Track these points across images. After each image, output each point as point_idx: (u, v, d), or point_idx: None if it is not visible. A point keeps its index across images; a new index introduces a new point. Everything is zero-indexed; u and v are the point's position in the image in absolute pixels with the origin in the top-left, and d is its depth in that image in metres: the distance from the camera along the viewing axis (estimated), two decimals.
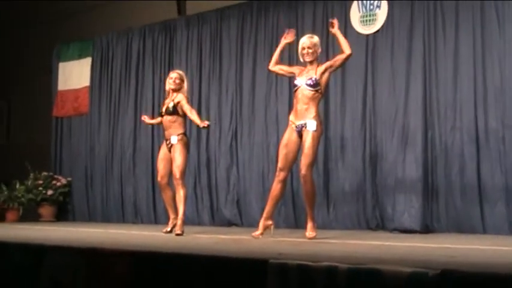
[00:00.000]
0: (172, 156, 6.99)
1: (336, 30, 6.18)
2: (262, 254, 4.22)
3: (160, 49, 9.96)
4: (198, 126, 7.00)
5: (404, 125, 7.32)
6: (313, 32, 7.12)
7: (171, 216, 7.09)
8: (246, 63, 8.83)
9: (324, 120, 7.08)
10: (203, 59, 9.40)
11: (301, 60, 6.28)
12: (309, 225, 6.05)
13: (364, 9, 7.78)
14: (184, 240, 6.17)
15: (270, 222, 6.24)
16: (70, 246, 4.83)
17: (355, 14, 7.86)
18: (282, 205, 7.82)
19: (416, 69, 7.34)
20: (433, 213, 7.08)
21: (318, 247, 5.14)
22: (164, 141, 7.17)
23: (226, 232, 7.26)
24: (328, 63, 6.23)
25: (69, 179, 10.69)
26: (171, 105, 7.04)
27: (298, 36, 7.43)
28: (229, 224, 8.60)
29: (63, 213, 10.66)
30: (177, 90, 7.12)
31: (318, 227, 6.25)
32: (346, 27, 7.87)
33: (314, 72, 6.13)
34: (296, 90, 6.16)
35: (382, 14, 7.68)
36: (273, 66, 6.53)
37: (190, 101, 7.52)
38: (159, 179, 7.19)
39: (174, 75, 7.21)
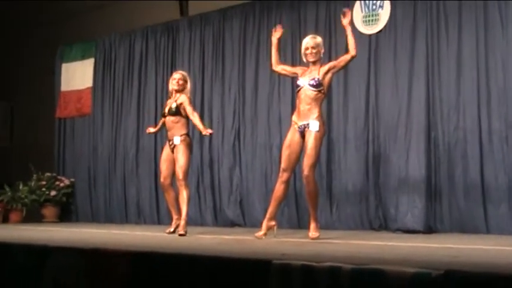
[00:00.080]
0: (175, 156, 6.99)
1: (347, 24, 6.17)
2: (266, 254, 4.22)
3: (162, 50, 9.96)
4: (200, 132, 6.98)
5: (407, 125, 7.31)
6: (316, 32, 7.15)
7: (174, 216, 7.10)
8: (249, 64, 8.83)
9: (326, 120, 7.08)
10: (206, 60, 9.40)
11: (304, 60, 6.28)
12: (312, 225, 6.05)
13: (366, 9, 7.78)
14: (187, 240, 6.17)
15: (273, 222, 6.25)
16: (73, 247, 4.84)
17: (357, 14, 7.84)
18: (285, 205, 7.81)
19: (419, 69, 7.33)
20: (436, 213, 7.07)
21: (321, 247, 5.14)
22: (167, 142, 7.17)
23: (229, 232, 7.26)
24: (331, 64, 6.23)
25: (72, 179, 10.70)
26: (174, 105, 7.05)
27: (300, 37, 7.48)
28: (232, 224, 8.60)
29: (67, 214, 10.67)
30: (180, 91, 7.13)
31: (321, 227, 6.26)
32: None
33: (317, 73, 6.13)
34: (299, 90, 6.16)
35: (384, 14, 7.67)
36: (276, 66, 6.54)
37: (193, 102, 7.52)
38: (162, 179, 7.20)
39: (177, 76, 7.21)
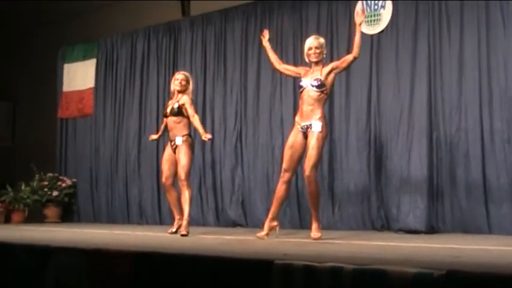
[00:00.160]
0: (177, 157, 6.99)
1: (359, 23, 6.22)
2: (268, 254, 4.22)
3: (164, 50, 9.97)
4: (200, 135, 6.97)
5: (409, 125, 7.30)
6: (318, 32, 7.16)
7: (176, 217, 7.10)
8: (251, 65, 8.83)
9: (328, 120, 7.08)
10: (207, 60, 9.41)
11: (307, 60, 6.28)
12: (314, 225, 6.05)
13: (368, 9, 7.77)
14: (189, 241, 6.17)
15: (275, 223, 6.25)
16: (75, 247, 4.84)
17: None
18: (287, 206, 7.82)
19: (421, 69, 7.33)
20: (438, 213, 7.07)
21: (323, 248, 5.14)
22: (169, 142, 7.17)
23: (231, 233, 7.27)
24: (333, 64, 6.24)
25: (74, 180, 10.71)
26: (176, 106, 7.05)
27: (302, 37, 7.49)
28: (234, 224, 8.60)
29: (68, 214, 10.68)
30: (182, 91, 7.13)
31: (323, 227, 6.25)
32: (350, 28, 7.83)
33: (319, 73, 6.14)
34: (302, 91, 6.17)
35: (386, 14, 7.67)
36: (278, 66, 6.57)
37: (195, 102, 7.53)
38: (163, 180, 7.20)
39: (180, 76, 7.21)
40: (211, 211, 8.96)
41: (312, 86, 6.08)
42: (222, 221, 8.81)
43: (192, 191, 7.13)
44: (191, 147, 7.08)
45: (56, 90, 11.27)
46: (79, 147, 10.91)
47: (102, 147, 10.54)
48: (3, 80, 12.27)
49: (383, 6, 7.70)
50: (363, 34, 7.55)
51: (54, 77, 11.30)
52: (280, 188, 6.20)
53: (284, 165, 6.19)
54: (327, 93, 6.19)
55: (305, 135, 6.10)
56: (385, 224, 7.39)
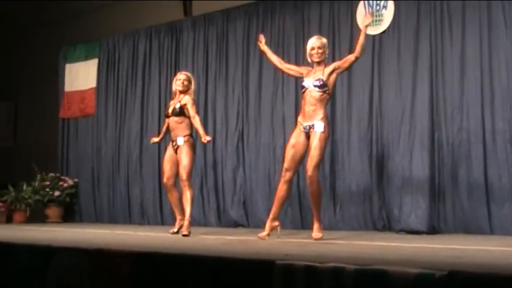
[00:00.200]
0: (178, 157, 6.99)
1: (365, 25, 6.25)
2: (269, 255, 4.22)
3: (166, 50, 9.97)
4: (200, 137, 6.96)
5: (411, 126, 7.30)
6: (320, 33, 7.15)
7: (178, 217, 7.11)
8: (252, 65, 8.83)
9: (330, 121, 7.07)
10: (209, 60, 9.41)
11: (309, 60, 6.28)
12: (316, 226, 6.05)
13: (370, 9, 7.76)
14: (191, 241, 6.17)
15: (276, 223, 6.25)
16: (77, 247, 4.84)
17: (361, 14, 7.83)
18: (289, 206, 7.82)
19: (422, 70, 7.32)
20: (440, 214, 7.06)
21: (325, 248, 5.14)
22: (170, 143, 7.17)
23: (232, 233, 7.27)
24: (335, 64, 6.24)
25: (76, 180, 10.72)
26: (178, 106, 7.05)
27: (304, 37, 7.49)
28: (236, 225, 8.60)
29: (70, 214, 10.69)
30: (184, 92, 7.13)
31: (324, 227, 6.25)
32: (352, 28, 7.87)
33: (321, 73, 6.14)
34: (304, 91, 6.17)
35: (388, 15, 7.66)
36: (282, 65, 6.60)
37: (196, 103, 7.53)
38: (165, 180, 7.20)
39: (182, 76, 7.20)
40: (213, 211, 8.97)
41: (314, 86, 6.08)
42: (224, 221, 8.81)
43: (193, 191, 7.13)
44: (193, 147, 7.08)
45: (57, 90, 11.28)
46: (81, 147, 10.92)
47: (103, 147, 10.55)
48: (4, 80, 12.28)
49: (385, 7, 7.70)
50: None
51: (56, 77, 11.31)
52: (282, 188, 6.20)
53: (285, 165, 6.19)
54: (329, 94, 6.19)
55: (307, 136, 6.10)
56: (387, 225, 7.39)
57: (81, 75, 11.01)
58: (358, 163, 7.70)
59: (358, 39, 6.22)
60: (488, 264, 3.83)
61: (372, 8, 7.77)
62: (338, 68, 6.21)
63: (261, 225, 6.65)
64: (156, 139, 7.69)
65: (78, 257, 4.53)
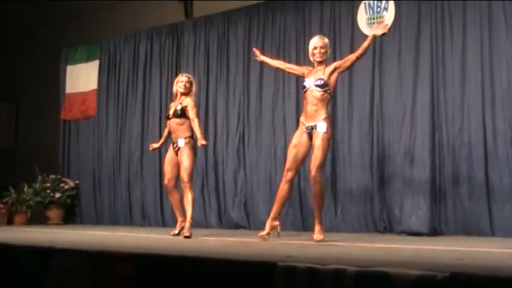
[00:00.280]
0: (179, 159, 6.99)
1: (375, 34, 6.24)
2: (270, 256, 4.22)
3: (167, 52, 9.97)
4: (197, 139, 6.96)
5: (411, 127, 7.30)
6: (321, 33, 7.13)
7: (179, 219, 7.11)
8: (253, 66, 8.82)
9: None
10: (210, 62, 9.41)
11: (311, 59, 6.29)
12: (317, 227, 6.05)
13: (371, 11, 7.77)
14: (192, 242, 6.17)
15: (276, 222, 6.26)
16: (77, 249, 4.84)
17: (362, 15, 7.85)
18: (290, 207, 7.82)
19: (423, 70, 7.32)
20: (441, 215, 7.06)
21: (326, 250, 5.14)
22: (171, 144, 7.17)
23: (234, 235, 7.27)
24: (336, 64, 6.26)
25: (77, 181, 10.72)
26: (179, 108, 7.05)
27: (305, 38, 7.50)
28: (237, 226, 8.59)
29: (71, 216, 10.69)
30: (185, 94, 7.13)
31: (325, 229, 6.25)
32: (353, 30, 7.88)
33: (322, 73, 6.16)
34: (305, 91, 6.18)
35: (389, 16, 7.66)
36: (283, 66, 6.70)
37: (198, 104, 7.52)
38: (166, 182, 7.20)
39: (184, 78, 7.20)
40: (214, 213, 8.96)
41: (315, 86, 6.10)
42: (225, 223, 8.81)
43: (194, 193, 7.14)
44: (194, 149, 7.07)
45: (59, 92, 11.28)
46: (82, 149, 10.92)
47: (104, 149, 10.55)
48: (6, 81, 12.28)
49: (386, 8, 7.69)
50: (365, 36, 7.59)
51: (57, 78, 11.31)
52: (283, 187, 6.20)
53: (287, 165, 6.19)
54: (330, 93, 6.20)
55: (309, 136, 6.11)
56: (388, 226, 7.38)
57: (82, 77, 11.02)
58: (359, 164, 7.70)
59: (363, 42, 6.23)
60: (489, 266, 3.82)
61: (373, 9, 7.77)
62: (339, 67, 6.23)
63: (262, 227, 6.63)
64: (155, 145, 7.65)
65: (79, 259, 4.53)
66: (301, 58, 7.70)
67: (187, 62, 9.63)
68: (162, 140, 7.57)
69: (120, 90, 10.51)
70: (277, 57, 6.84)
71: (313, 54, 6.25)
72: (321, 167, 6.07)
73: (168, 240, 6.52)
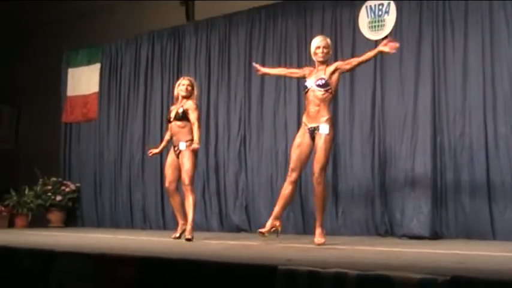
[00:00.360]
0: (180, 162, 6.99)
1: (381, 49, 6.16)
2: (271, 260, 4.22)
3: (169, 55, 9.98)
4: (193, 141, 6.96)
5: (413, 130, 7.31)
6: None
7: (180, 221, 7.10)
8: (255, 70, 8.82)
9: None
10: (212, 65, 9.42)
11: (314, 59, 6.28)
12: (318, 231, 6.04)
13: (372, 14, 7.78)
14: (193, 246, 6.17)
15: (277, 223, 6.24)
16: (79, 251, 4.84)
17: (363, 19, 7.86)
18: (291, 211, 7.82)
19: (425, 74, 7.33)
20: (442, 219, 7.05)
21: (327, 253, 5.13)
22: (172, 147, 7.17)
23: (235, 238, 7.26)
24: (337, 64, 6.26)
25: (78, 184, 10.71)
26: (180, 110, 7.05)
27: (306, 41, 7.51)
28: (238, 229, 8.59)
29: (72, 219, 10.68)
30: (187, 97, 7.13)
31: (326, 232, 6.24)
32: (355, 33, 7.89)
33: (323, 73, 6.17)
34: (307, 92, 6.18)
35: (390, 20, 7.67)
36: (284, 72, 6.74)
37: (199, 108, 7.52)
38: (167, 184, 7.19)
39: (185, 82, 7.20)
40: (215, 216, 8.96)
41: (317, 85, 6.10)
42: (226, 226, 8.81)
43: (195, 195, 7.14)
44: (195, 152, 7.07)
45: (60, 95, 11.29)
46: (83, 152, 10.92)
47: (106, 152, 10.55)
48: (7, 84, 12.29)
49: (387, 12, 7.70)
50: (366, 39, 7.64)
51: (58, 81, 11.32)
52: (287, 188, 6.19)
53: (291, 165, 6.19)
54: (332, 93, 6.19)
55: (312, 137, 6.11)
56: (389, 230, 7.38)
57: (84, 80, 11.03)
58: (361, 167, 7.70)
59: (369, 51, 6.24)
60: (490, 269, 3.82)
61: (374, 13, 7.78)
62: (340, 68, 6.23)
63: None
64: (155, 150, 7.63)
65: (81, 262, 4.53)
66: (303, 61, 7.70)
67: (188, 65, 9.63)
68: (162, 145, 7.54)
69: (122, 93, 10.52)
70: (279, 61, 6.83)
71: (316, 53, 6.25)
72: (324, 168, 6.08)
73: (169, 243, 6.52)
